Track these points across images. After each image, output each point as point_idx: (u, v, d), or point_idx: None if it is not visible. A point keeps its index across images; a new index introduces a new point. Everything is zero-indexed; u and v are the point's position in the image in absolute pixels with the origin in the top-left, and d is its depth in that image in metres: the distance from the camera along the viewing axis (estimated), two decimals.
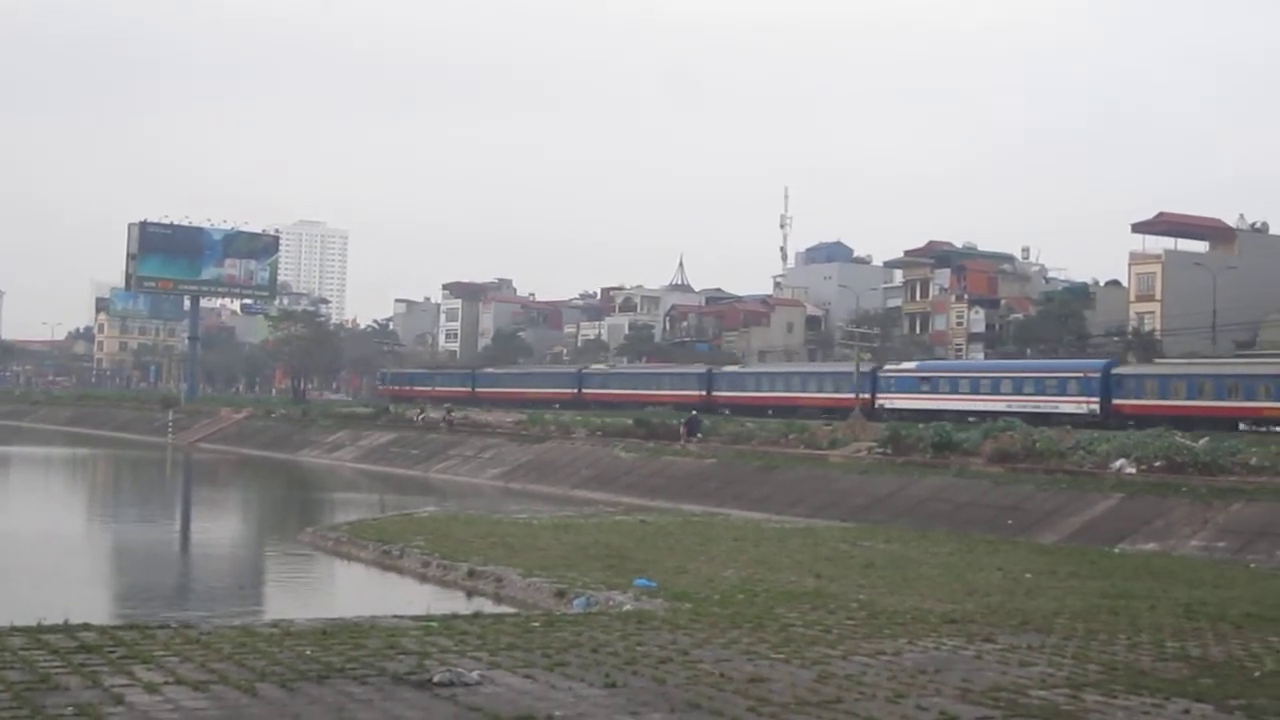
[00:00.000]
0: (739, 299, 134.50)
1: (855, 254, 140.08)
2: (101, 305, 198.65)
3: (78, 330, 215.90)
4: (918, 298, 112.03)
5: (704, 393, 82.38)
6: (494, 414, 76.49)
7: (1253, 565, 26.15)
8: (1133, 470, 35.62)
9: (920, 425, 50.14)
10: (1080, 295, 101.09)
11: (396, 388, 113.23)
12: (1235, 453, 35.55)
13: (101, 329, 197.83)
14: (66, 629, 13.68)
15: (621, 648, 13.82)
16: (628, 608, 18.08)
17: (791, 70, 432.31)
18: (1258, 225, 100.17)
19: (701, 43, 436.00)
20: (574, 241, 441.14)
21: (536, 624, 15.56)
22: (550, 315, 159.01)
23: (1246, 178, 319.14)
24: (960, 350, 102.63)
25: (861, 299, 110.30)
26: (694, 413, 60.74)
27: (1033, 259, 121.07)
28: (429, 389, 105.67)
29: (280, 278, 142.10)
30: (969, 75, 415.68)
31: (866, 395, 69.10)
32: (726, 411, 74.83)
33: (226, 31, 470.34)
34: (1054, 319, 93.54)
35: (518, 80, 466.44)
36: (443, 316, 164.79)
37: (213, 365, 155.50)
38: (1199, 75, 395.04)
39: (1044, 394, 62.78)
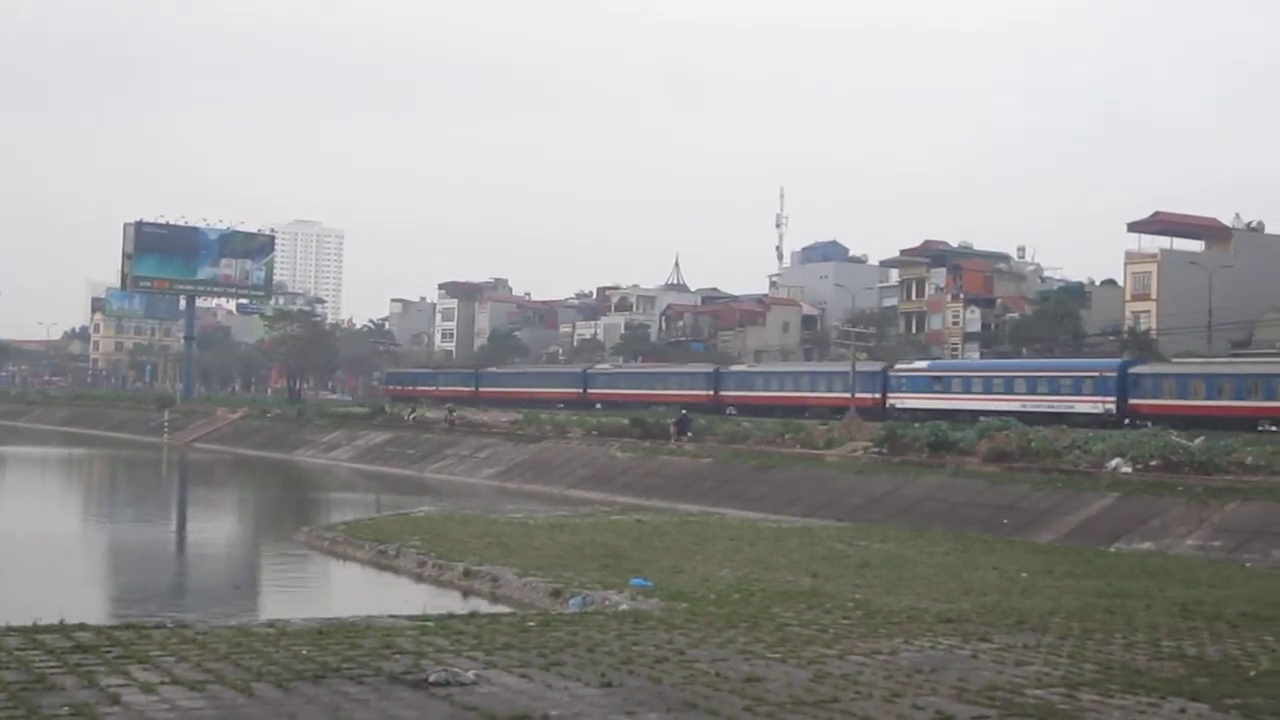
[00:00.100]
0: (735, 298, 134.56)
1: (851, 253, 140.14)
2: (97, 305, 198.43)
3: (73, 330, 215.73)
4: (913, 297, 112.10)
5: (711, 392, 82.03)
6: (490, 413, 76.41)
7: (1248, 564, 26.17)
8: (1128, 469, 35.63)
9: (916, 425, 50.10)
10: (1076, 295, 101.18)
11: (399, 387, 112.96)
12: (1231, 452, 35.57)
13: (97, 329, 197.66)
14: (62, 629, 13.68)
15: (617, 647, 13.83)
16: (624, 607, 18.08)
17: (788, 70, 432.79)
18: (1253, 225, 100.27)
19: (699, 43, 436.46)
20: (570, 241, 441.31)
21: (532, 624, 15.56)
22: (546, 315, 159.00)
23: (1244, 179, 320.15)
24: (956, 349, 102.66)
25: (857, 298, 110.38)
26: (684, 412, 60.68)
27: (1028, 258, 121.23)
28: (432, 389, 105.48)
29: (276, 277, 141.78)
30: (966, 75, 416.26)
31: (878, 395, 68.95)
32: (733, 411, 74.37)
33: (222, 31, 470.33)
34: (1050, 318, 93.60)
35: (514, 80, 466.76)
36: (439, 316, 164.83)
37: (208, 365, 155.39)
38: (1197, 76, 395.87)
39: (1059, 393, 62.23)
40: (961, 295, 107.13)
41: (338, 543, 29.85)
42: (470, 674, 11.95)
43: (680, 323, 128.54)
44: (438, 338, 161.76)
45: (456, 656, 12.98)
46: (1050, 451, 39.05)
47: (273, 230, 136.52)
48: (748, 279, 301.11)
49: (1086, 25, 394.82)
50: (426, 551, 26.13)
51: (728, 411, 74.48)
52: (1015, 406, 59.06)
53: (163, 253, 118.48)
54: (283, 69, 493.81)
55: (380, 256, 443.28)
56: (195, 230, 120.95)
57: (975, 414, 57.12)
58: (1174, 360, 66.64)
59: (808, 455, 46.08)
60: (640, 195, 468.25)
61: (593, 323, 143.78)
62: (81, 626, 13.97)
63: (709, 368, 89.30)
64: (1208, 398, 56.71)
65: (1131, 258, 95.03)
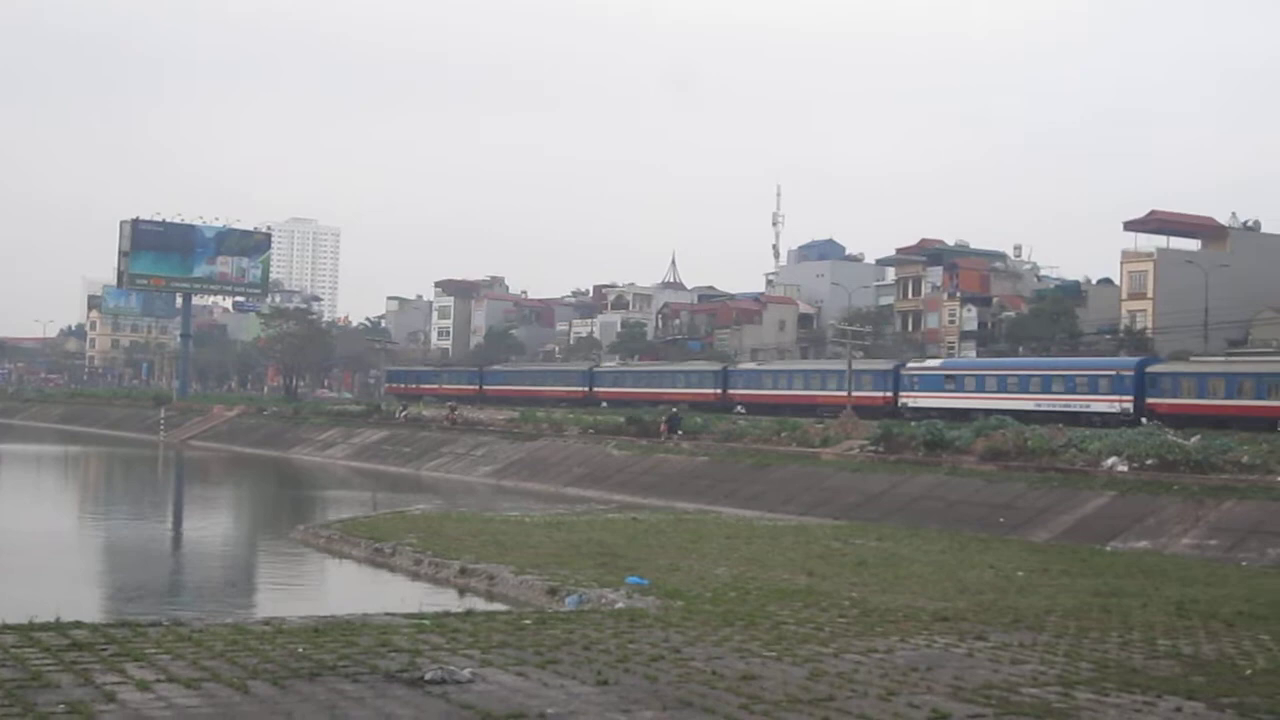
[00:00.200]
0: (731, 297, 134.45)
1: (847, 252, 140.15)
2: (93, 303, 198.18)
3: (69, 328, 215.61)
4: (910, 295, 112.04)
5: (719, 390, 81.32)
6: (485, 411, 76.37)
7: (1244, 563, 26.21)
8: (1125, 468, 35.65)
9: (913, 424, 49.98)
10: (1072, 293, 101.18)
11: (403, 386, 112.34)
12: (1227, 451, 35.59)
13: (93, 326, 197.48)
14: (58, 626, 13.68)
15: (613, 645, 13.84)
16: (620, 605, 18.10)
17: (785, 70, 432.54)
18: (1250, 224, 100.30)
19: (697, 43, 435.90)
20: (567, 239, 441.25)
21: (528, 622, 15.57)
22: (543, 313, 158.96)
23: (1241, 181, 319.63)
24: (953, 348, 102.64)
25: (854, 297, 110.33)
26: (674, 409, 60.52)
27: (1025, 257, 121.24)
28: (436, 386, 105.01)
29: (272, 275, 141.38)
30: (963, 76, 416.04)
31: (889, 394, 68.63)
32: (742, 409, 73.71)
33: (220, 28, 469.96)
34: (1046, 317, 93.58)
35: (511, 79, 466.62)
36: (435, 314, 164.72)
37: (205, 363, 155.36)
38: (1194, 78, 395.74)
39: (1074, 392, 61.51)
40: (958, 294, 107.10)
41: (334, 540, 29.85)
42: (466, 672, 11.95)
43: (677, 321, 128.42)
44: (434, 336, 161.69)
45: (452, 654, 12.98)
46: (1046, 450, 39.06)
47: (269, 228, 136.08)
48: (744, 277, 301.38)
49: (1084, 27, 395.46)
50: (423, 549, 26.13)
51: (736, 410, 73.77)
52: (1030, 406, 58.76)
53: (159, 250, 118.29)
54: (281, 66, 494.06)
55: (377, 254, 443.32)
56: (192, 228, 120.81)
57: (989, 413, 55.71)
58: (1192, 359, 65.60)
59: (804, 453, 46.09)
60: (637, 194, 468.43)
61: (589, 321, 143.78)
62: (77, 624, 13.97)
63: (717, 366, 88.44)
64: (1227, 397, 55.85)
65: (1128, 257, 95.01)
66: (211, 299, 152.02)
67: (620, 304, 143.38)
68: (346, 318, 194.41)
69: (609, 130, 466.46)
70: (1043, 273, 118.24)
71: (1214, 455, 34.89)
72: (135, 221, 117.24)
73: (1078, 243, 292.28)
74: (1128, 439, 38.94)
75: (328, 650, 12.96)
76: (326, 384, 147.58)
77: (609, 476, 48.64)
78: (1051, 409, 58.36)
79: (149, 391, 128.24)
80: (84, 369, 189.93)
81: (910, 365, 72.88)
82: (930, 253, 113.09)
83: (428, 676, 11.68)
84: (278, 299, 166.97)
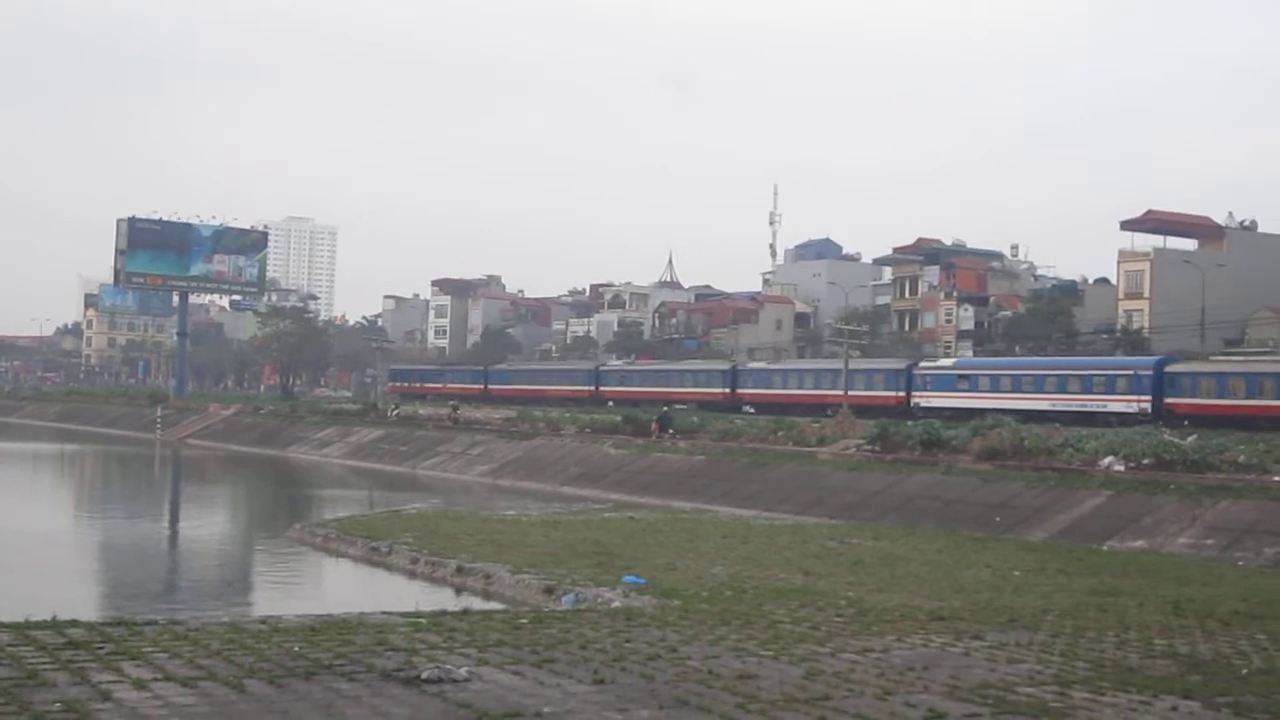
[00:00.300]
0: (728, 296, 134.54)
1: (844, 251, 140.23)
2: (90, 301, 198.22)
3: (66, 326, 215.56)
4: (907, 295, 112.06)
5: (728, 390, 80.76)
6: (483, 410, 76.36)
7: (1240, 563, 26.22)
8: (1121, 468, 35.67)
9: (909, 423, 49.87)
10: (1069, 293, 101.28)
11: (406, 385, 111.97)
12: (1223, 450, 35.61)
13: (90, 325, 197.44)
14: (54, 625, 13.67)
15: (610, 644, 13.84)
16: (616, 604, 18.10)
17: (782, 71, 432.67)
18: (1246, 224, 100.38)
19: (695, 42, 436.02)
20: (564, 238, 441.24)
21: (525, 621, 15.57)
22: (539, 312, 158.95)
23: (1239, 182, 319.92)
24: (950, 348, 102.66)
25: (850, 296, 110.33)
26: (665, 409, 60.47)
27: (1022, 257, 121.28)
28: (440, 386, 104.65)
29: (269, 274, 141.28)
30: (961, 77, 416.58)
31: (902, 393, 68.26)
32: (750, 410, 73.08)
33: (218, 27, 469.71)
34: (1043, 316, 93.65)
35: (509, 78, 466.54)
36: (432, 313, 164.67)
37: (201, 361, 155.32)
38: (1191, 79, 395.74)
39: (1090, 392, 60.85)
40: (955, 293, 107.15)
41: (330, 539, 29.83)
42: (463, 671, 11.95)
43: (674, 320, 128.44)
44: (431, 334, 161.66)
45: (449, 653, 12.98)
46: (1043, 449, 39.08)
47: (266, 226, 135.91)
48: (741, 277, 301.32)
49: (1082, 28, 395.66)
50: (419, 548, 26.12)
51: (744, 410, 73.30)
52: (1045, 406, 58.38)
53: (156, 249, 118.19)
54: (279, 66, 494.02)
55: (374, 253, 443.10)
56: (189, 226, 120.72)
57: (1003, 413, 54.74)
58: (1212, 359, 64.95)
59: (800, 453, 46.10)
60: (634, 193, 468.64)
61: (586, 320, 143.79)
62: (74, 623, 13.96)
63: (726, 365, 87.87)
64: (1248, 397, 55.13)
65: (1124, 256, 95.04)
66: (208, 298, 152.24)
67: (617, 303, 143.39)
68: (343, 316, 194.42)
69: (605, 129, 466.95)
70: (1039, 272, 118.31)
71: (1210, 455, 34.90)
72: (132, 220, 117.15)
73: (1076, 243, 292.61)
74: (1124, 438, 38.97)
75: (324, 649, 12.95)
76: (324, 382, 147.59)
77: (605, 476, 48.62)
78: (1067, 409, 57.91)
79: (145, 390, 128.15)
80: (80, 367, 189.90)
81: (923, 365, 72.26)
82: (927, 252, 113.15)
83: (424, 675, 11.68)
84: (274, 298, 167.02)
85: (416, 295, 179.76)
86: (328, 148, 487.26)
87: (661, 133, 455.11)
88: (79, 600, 20.41)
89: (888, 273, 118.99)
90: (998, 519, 33.05)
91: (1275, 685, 12.76)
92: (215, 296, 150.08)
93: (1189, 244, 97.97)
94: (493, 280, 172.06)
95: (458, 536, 28.01)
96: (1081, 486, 34.30)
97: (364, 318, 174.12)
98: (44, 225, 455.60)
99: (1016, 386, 64.16)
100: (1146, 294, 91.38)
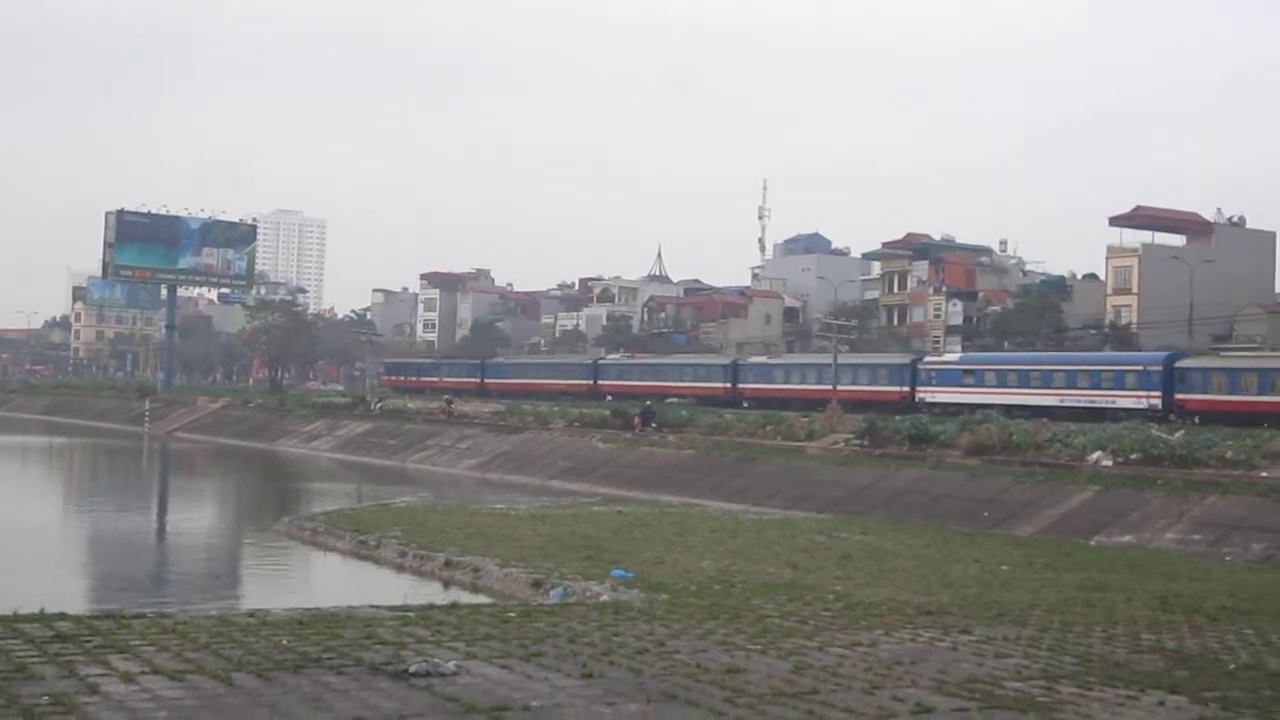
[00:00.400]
0: (717, 290, 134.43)
1: (833, 246, 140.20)
2: (78, 294, 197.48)
3: (54, 319, 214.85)
4: (895, 290, 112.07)
5: (729, 385, 79.98)
6: (474, 404, 76.31)
7: (1228, 558, 26.31)
8: (1109, 463, 35.79)
9: (897, 418, 49.74)
10: (1058, 288, 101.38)
11: (401, 379, 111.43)
12: (1211, 446, 35.72)
13: (78, 318, 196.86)
14: (42, 618, 13.64)
15: (598, 638, 13.84)
16: (604, 598, 18.10)
17: (773, 68, 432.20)
18: (1235, 220, 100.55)
19: (687, 39, 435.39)
20: (552, 232, 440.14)
21: (513, 614, 15.57)
22: (528, 306, 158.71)
23: (1236, 181, 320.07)
24: (938, 342, 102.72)
25: (839, 291, 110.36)
26: (648, 403, 60.47)
27: (1010, 252, 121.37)
28: (436, 379, 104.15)
29: (258, 267, 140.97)
30: (952, 76, 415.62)
31: (906, 389, 67.85)
32: (750, 405, 72.47)
33: (207, 20, 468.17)
34: (1032, 312, 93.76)
35: (499, 72, 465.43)
36: (420, 306, 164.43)
37: (190, 355, 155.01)
38: (1186, 78, 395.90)
39: (1099, 388, 60.05)
40: (944, 288, 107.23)
41: (318, 533, 29.81)
42: (451, 664, 11.94)
43: (662, 314, 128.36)
44: (419, 328, 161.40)
45: (437, 647, 12.97)
46: (1031, 445, 39.19)
47: (254, 220, 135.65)
48: (730, 271, 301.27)
49: (1081, 28, 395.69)
50: (407, 542, 26.12)
51: (745, 405, 72.82)
52: (1053, 401, 58.00)
53: (144, 242, 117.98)
54: (270, 60, 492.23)
55: (363, 247, 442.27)
56: (177, 219, 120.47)
57: (1009, 409, 54.59)
58: (1223, 354, 64.16)
59: (789, 447, 46.15)
60: (623, 187, 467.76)
61: (575, 314, 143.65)
62: (61, 616, 13.93)
63: (727, 359, 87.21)
64: (1260, 393, 54.37)
65: (1113, 252, 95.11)
66: (197, 291, 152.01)
67: (606, 297, 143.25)
68: (332, 310, 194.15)
69: (594, 123, 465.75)
70: (1028, 268, 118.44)
71: (1198, 450, 35.03)
72: (120, 213, 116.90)
73: (1069, 241, 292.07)
74: (1112, 433, 39.07)
75: (312, 642, 12.94)
76: (312, 376, 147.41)
77: (594, 470, 48.65)
78: (1076, 404, 57.55)
79: (134, 383, 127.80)
80: (69, 360, 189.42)
81: (928, 359, 71.60)
82: (916, 247, 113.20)
83: (412, 669, 11.67)
84: (263, 291, 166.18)
85: (405, 289, 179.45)
86: (318, 142, 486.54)
87: (652, 128, 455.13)
88: (67, 593, 20.39)
89: (877, 268, 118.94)
90: (986, 514, 33.12)
91: (1262, 680, 12.81)
92: (204, 290, 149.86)
93: (1178, 240, 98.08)
94: (482, 274, 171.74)
95: (446, 530, 28.00)
96: (1069, 481, 34.38)
97: (353, 311, 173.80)
98: (32, 218, 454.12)
99: (1024, 382, 63.13)
100: (1135, 289, 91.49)
